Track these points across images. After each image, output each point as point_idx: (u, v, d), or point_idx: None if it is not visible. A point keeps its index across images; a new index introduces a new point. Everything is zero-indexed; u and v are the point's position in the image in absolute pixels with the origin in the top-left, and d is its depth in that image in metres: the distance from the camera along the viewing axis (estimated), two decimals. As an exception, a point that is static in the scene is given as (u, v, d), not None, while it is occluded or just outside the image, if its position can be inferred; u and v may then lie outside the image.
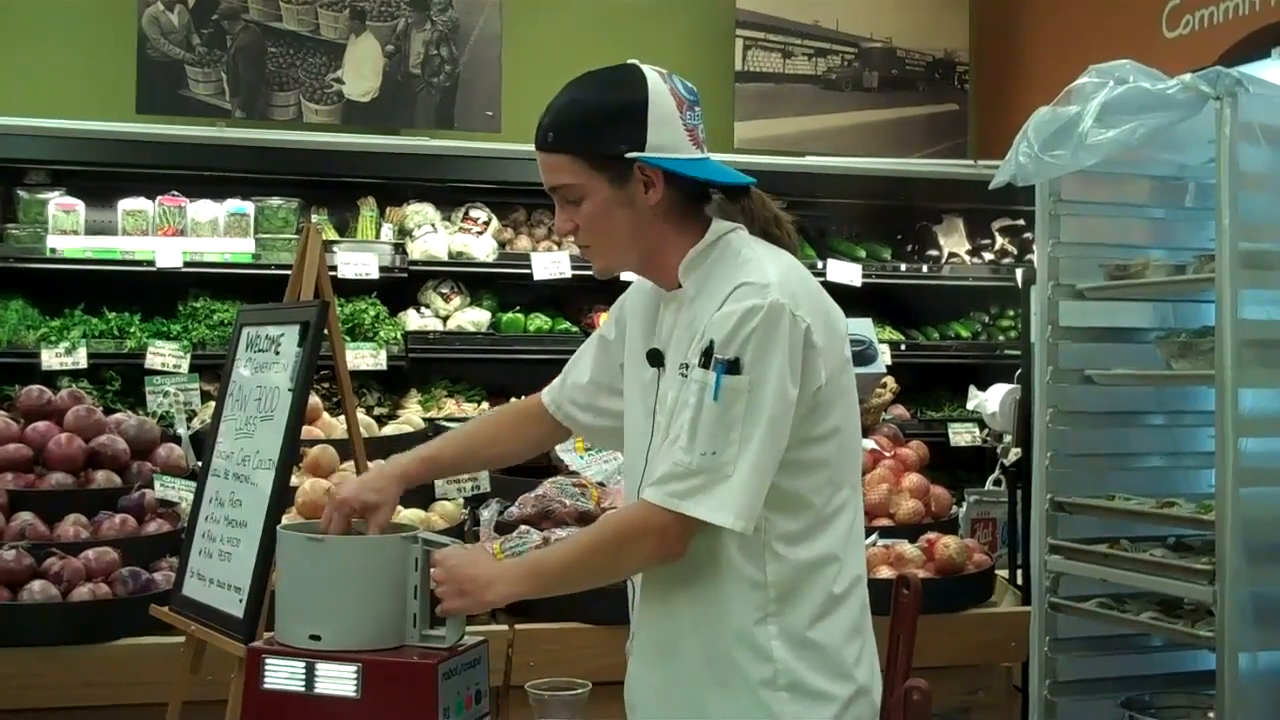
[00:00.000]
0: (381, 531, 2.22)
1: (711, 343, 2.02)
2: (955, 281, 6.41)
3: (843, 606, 2.10)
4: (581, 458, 4.03)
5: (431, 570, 2.09)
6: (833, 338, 2.10)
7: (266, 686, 2.04)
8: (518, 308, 5.87)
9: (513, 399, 5.12)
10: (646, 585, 2.18)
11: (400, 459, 2.43)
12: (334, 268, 5.31)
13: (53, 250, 5.34)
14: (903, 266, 6.34)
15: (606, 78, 2.15)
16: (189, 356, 5.18)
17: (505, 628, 3.38)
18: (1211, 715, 3.31)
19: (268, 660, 2.05)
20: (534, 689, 2.16)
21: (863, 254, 6.28)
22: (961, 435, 5.95)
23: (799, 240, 2.27)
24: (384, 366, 5.45)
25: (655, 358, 2.20)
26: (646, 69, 2.14)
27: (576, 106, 2.13)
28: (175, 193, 5.54)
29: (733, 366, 2.00)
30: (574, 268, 5.72)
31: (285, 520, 2.99)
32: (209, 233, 5.52)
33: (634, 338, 2.31)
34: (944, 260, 6.47)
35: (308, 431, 3.94)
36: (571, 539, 2.20)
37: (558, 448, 4.13)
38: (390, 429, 4.64)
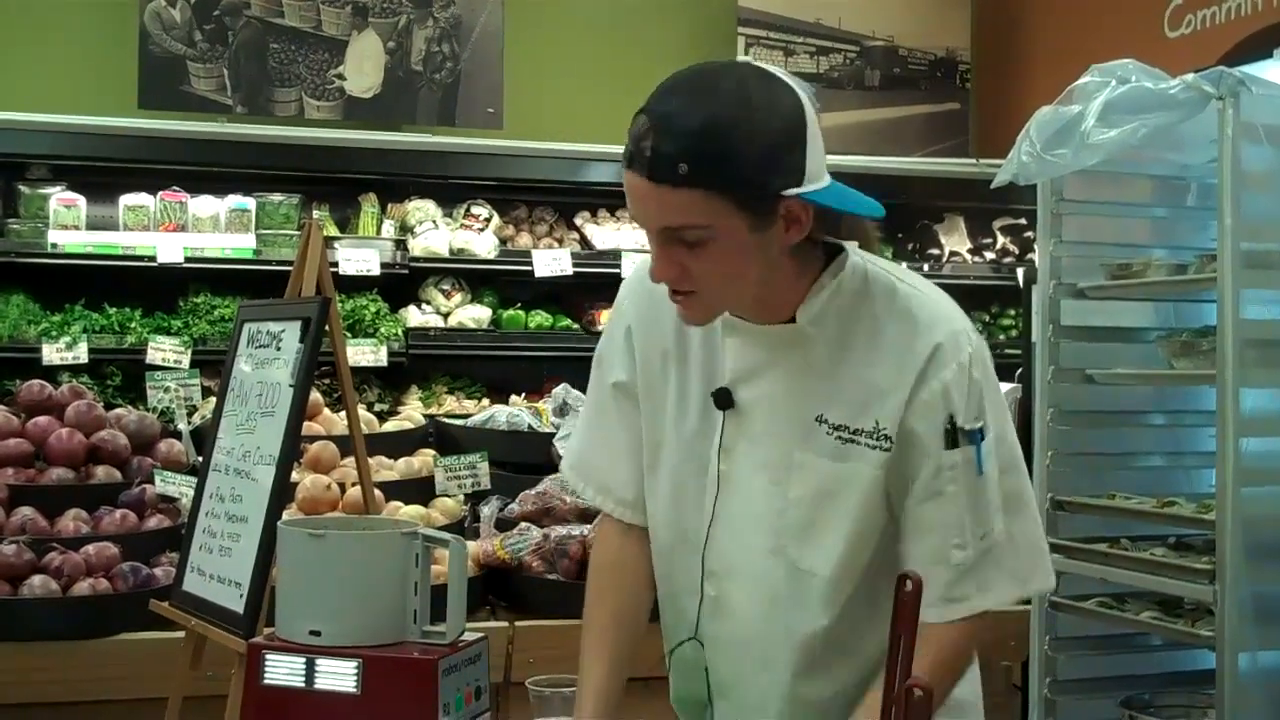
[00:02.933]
0: None
1: (951, 418, 1.80)
2: (956, 280, 6.39)
3: None
4: (582, 455, 4.03)
5: None
6: None
7: (266, 682, 2.04)
8: (519, 305, 5.87)
9: (516, 400, 5.15)
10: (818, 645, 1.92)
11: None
12: (335, 264, 5.31)
13: (54, 245, 5.34)
14: (904, 265, 6.32)
15: (753, 98, 1.66)
16: (190, 352, 5.17)
17: (505, 624, 3.39)
18: (1211, 714, 3.31)
19: (268, 656, 2.04)
20: (534, 685, 2.16)
21: (864, 252, 6.28)
22: (962, 434, 5.94)
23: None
24: (385, 363, 5.45)
25: (724, 398, 1.88)
26: (777, 72, 1.73)
27: (718, 132, 1.63)
28: (176, 188, 5.54)
29: (980, 432, 1.81)
30: (575, 265, 5.72)
31: (286, 516, 2.99)
32: (210, 228, 5.52)
33: (656, 355, 1.99)
34: (945, 259, 6.47)
35: (308, 427, 3.94)
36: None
37: (557, 445, 4.13)
38: (391, 425, 4.64)
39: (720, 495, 1.92)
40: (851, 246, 1.88)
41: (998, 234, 6.66)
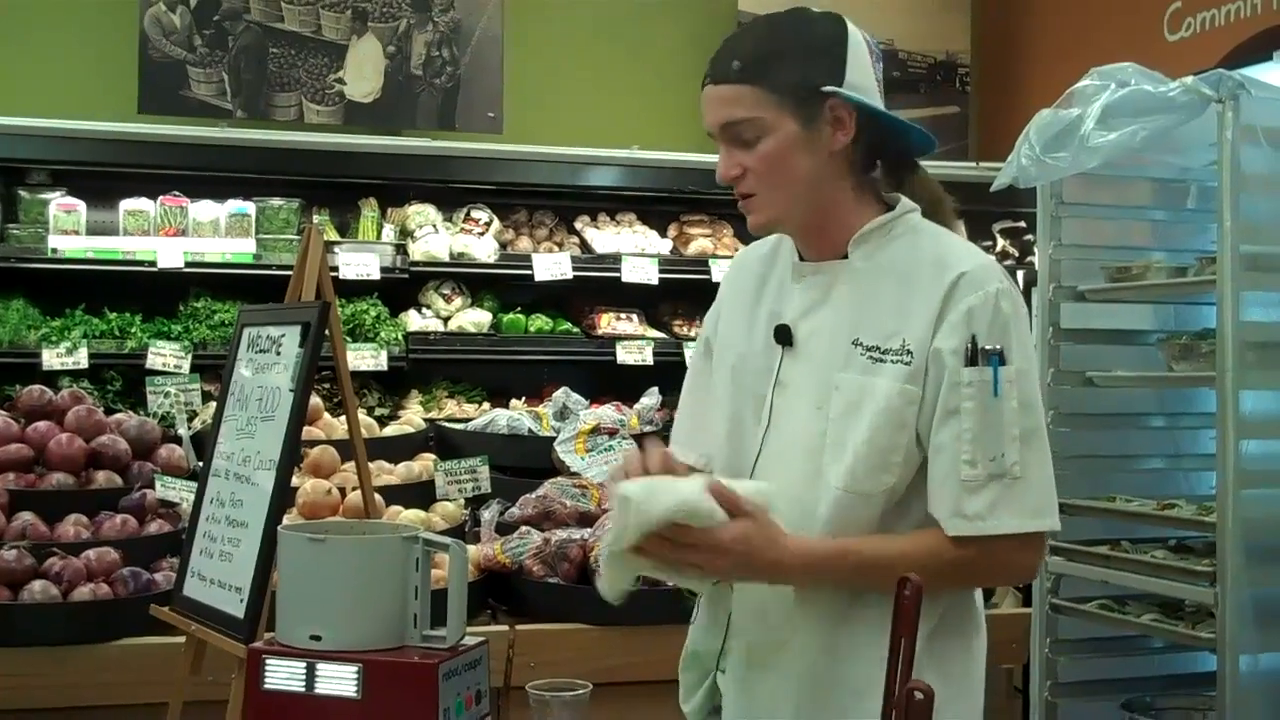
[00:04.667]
0: None
1: (974, 337, 1.91)
2: (956, 283, 6.42)
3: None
4: (583, 459, 4.04)
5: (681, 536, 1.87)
6: None
7: (267, 687, 2.04)
8: (519, 309, 5.86)
9: (516, 404, 5.15)
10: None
11: None
12: (335, 268, 5.31)
13: (54, 250, 5.34)
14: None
15: (798, 15, 2.02)
16: (190, 357, 5.17)
17: (506, 628, 3.39)
18: (1212, 717, 3.31)
19: (268, 660, 2.05)
20: (534, 690, 2.16)
21: (864, 256, 6.28)
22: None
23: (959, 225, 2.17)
24: (385, 367, 5.44)
25: (783, 334, 2.05)
26: (835, 13, 2.03)
27: (769, 38, 1.98)
28: (176, 193, 5.54)
29: (1000, 357, 1.91)
30: (575, 269, 5.72)
31: (286, 520, 2.99)
32: (210, 233, 5.52)
33: (738, 310, 2.17)
34: (945, 262, 6.47)
35: (308, 432, 3.94)
36: (884, 542, 1.96)
37: (558, 449, 4.13)
38: (391, 430, 4.64)
39: (770, 429, 2.05)
40: (912, 205, 2.07)
41: (998, 237, 6.66)
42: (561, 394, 4.54)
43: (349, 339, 5.32)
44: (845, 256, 2.04)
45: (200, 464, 3.45)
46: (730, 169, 2.00)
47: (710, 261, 5.78)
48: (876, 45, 2.05)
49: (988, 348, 1.90)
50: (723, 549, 1.87)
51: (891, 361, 1.95)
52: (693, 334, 5.78)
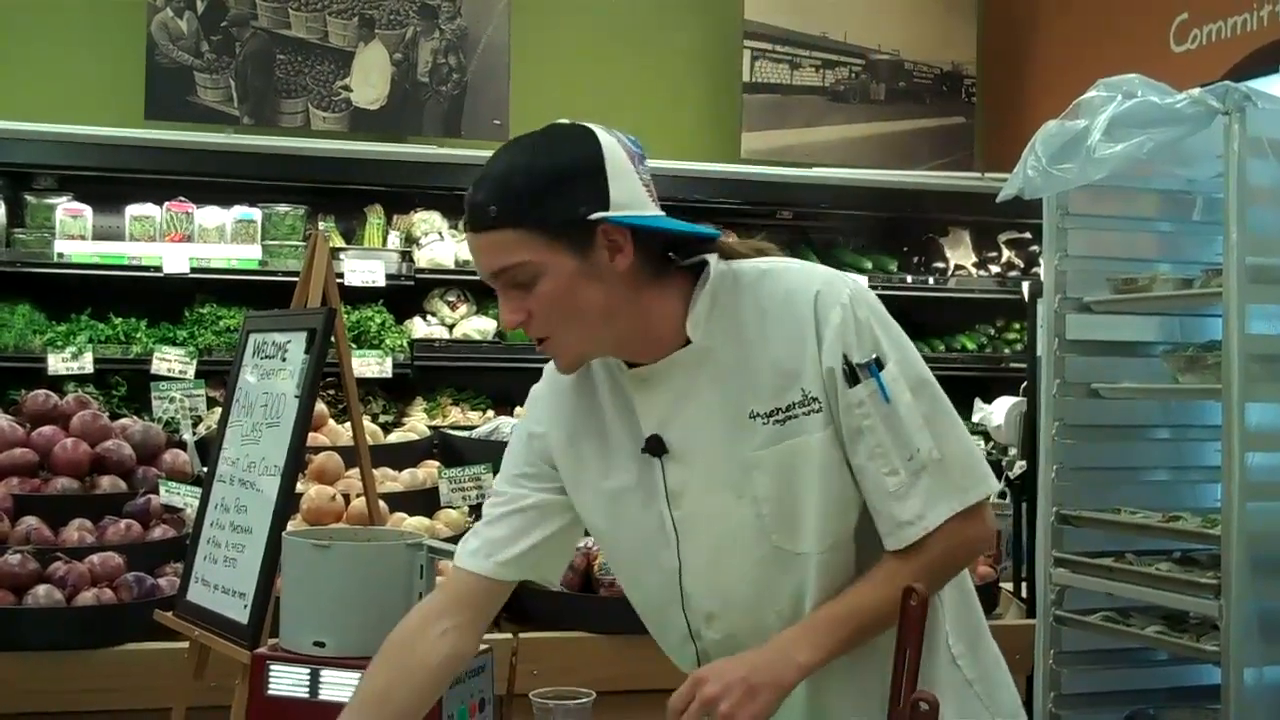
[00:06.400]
0: None
1: (845, 358, 1.84)
2: (961, 294, 6.41)
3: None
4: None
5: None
6: None
7: (271, 693, 2.04)
8: (524, 316, 5.87)
9: (520, 411, 5.14)
10: None
11: None
12: (341, 275, 5.31)
13: (60, 255, 5.35)
14: (909, 279, 6.33)
15: (547, 137, 1.86)
16: (195, 362, 5.18)
17: (509, 636, 3.38)
18: (1216, 730, 3.30)
19: (272, 666, 2.05)
20: (538, 698, 2.16)
21: (869, 266, 6.28)
22: (967, 448, 5.94)
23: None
24: (390, 374, 5.45)
25: (655, 444, 1.90)
26: (593, 126, 1.87)
27: (519, 172, 1.81)
28: (183, 199, 5.55)
29: (877, 363, 1.85)
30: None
31: (290, 527, 2.99)
32: (216, 239, 5.53)
33: (573, 450, 1.99)
34: (950, 273, 6.47)
35: (313, 438, 3.94)
36: (854, 593, 1.87)
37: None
38: (395, 436, 4.65)
39: (682, 543, 1.92)
40: (712, 258, 1.91)
41: (1003, 248, 6.66)
42: (566, 401, 4.53)
43: (354, 346, 5.32)
44: (685, 343, 1.89)
45: (205, 469, 3.45)
46: (514, 315, 1.84)
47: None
48: (634, 143, 1.88)
49: (862, 361, 1.84)
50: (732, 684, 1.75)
51: (804, 414, 1.86)
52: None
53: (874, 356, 1.85)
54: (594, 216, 1.79)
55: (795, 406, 1.86)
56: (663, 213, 1.87)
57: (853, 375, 1.84)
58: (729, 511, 1.90)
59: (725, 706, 1.71)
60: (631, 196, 1.83)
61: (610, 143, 1.84)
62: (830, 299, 1.86)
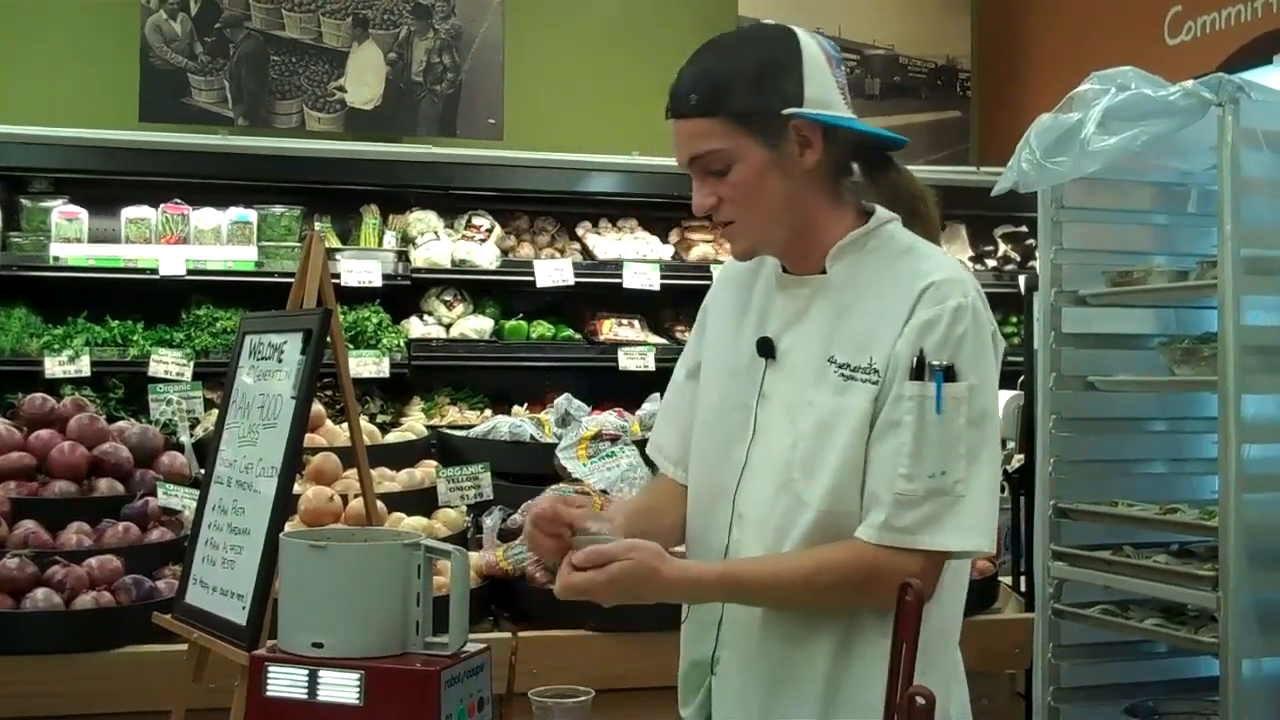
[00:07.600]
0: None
1: (921, 351, 1.88)
2: (958, 288, 6.42)
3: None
4: (585, 465, 4.03)
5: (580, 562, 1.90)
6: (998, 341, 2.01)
7: (269, 694, 2.04)
8: (520, 315, 5.87)
9: (518, 410, 5.15)
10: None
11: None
12: (337, 275, 5.32)
13: (56, 258, 5.35)
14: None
15: (749, 35, 2.01)
16: (192, 364, 5.18)
17: (508, 635, 3.39)
18: (1215, 722, 3.31)
19: (270, 668, 2.04)
20: (537, 696, 2.16)
21: (865, 261, 6.29)
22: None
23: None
24: (387, 374, 5.45)
25: (765, 347, 2.03)
26: (786, 25, 2.00)
27: (721, 66, 1.94)
28: (178, 201, 5.55)
29: (949, 373, 1.87)
30: (576, 275, 5.73)
31: (288, 528, 2.99)
32: (212, 240, 5.53)
33: (723, 325, 2.15)
34: (946, 267, 6.47)
35: (310, 439, 3.94)
36: (776, 560, 1.96)
37: (560, 455, 4.13)
38: (393, 437, 4.64)
39: (754, 441, 2.03)
40: (883, 211, 2.03)
41: (999, 241, 6.66)
42: (563, 400, 4.53)
43: (351, 346, 5.32)
44: (825, 270, 2.02)
45: (202, 471, 3.45)
46: (705, 200, 1.98)
47: (712, 267, 5.79)
48: (834, 48, 2.01)
49: (934, 363, 1.88)
50: (607, 579, 1.90)
51: (860, 380, 1.93)
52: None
53: (949, 365, 1.88)
54: (787, 111, 1.91)
55: (859, 371, 1.94)
56: (855, 117, 1.99)
57: (919, 370, 1.88)
58: (780, 431, 2.00)
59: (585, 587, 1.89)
60: (826, 95, 1.95)
61: (809, 42, 1.96)
62: (938, 295, 1.92)
